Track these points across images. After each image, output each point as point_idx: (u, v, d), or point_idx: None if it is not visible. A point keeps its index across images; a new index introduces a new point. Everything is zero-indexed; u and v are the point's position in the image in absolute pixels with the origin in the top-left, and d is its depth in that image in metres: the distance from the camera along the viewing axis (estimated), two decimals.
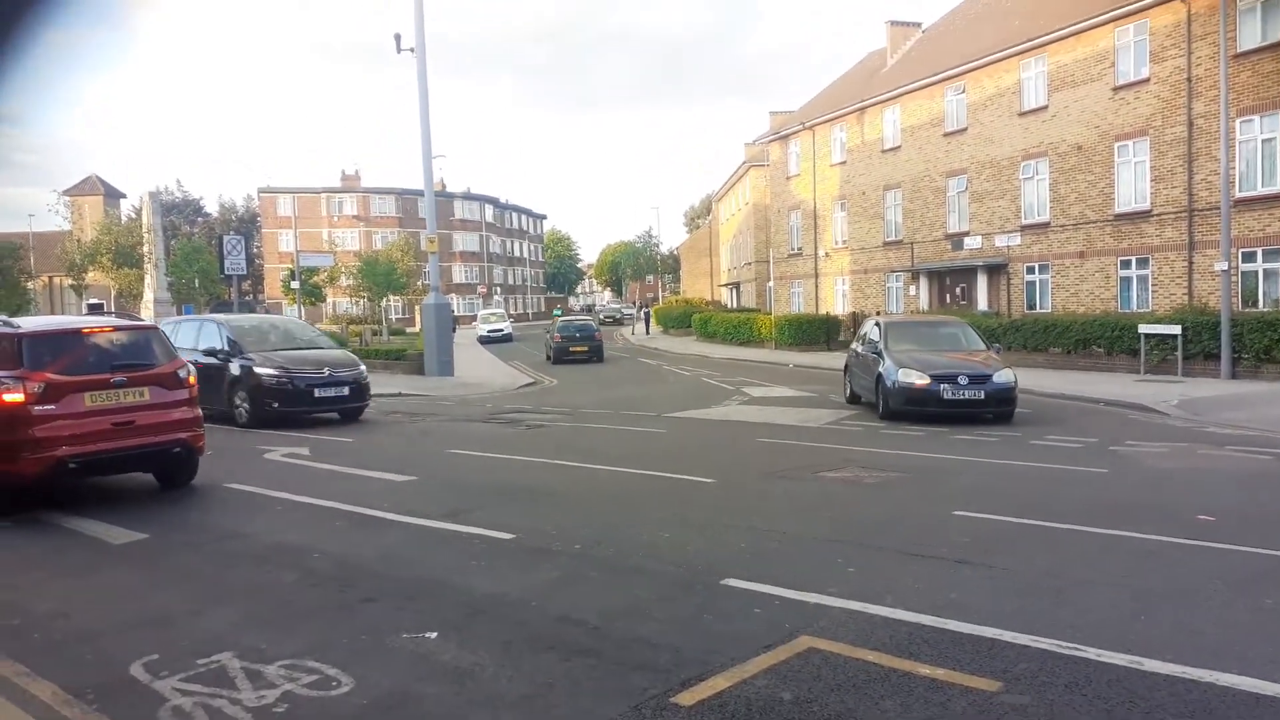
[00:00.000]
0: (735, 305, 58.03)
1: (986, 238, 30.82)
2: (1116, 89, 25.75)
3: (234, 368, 15.81)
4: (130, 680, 4.74)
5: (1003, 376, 14.63)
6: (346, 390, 16.08)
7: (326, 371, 16.05)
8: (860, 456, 11.47)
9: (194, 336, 16.71)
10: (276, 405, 15.41)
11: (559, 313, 70.64)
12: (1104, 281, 26.58)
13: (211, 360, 15.82)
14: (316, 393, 15.72)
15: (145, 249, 46.85)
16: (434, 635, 5.29)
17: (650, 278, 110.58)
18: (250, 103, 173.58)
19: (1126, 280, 25.97)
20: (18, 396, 8.57)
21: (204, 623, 5.65)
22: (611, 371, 30.28)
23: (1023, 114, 29.22)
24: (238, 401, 15.73)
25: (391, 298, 58.79)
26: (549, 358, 34.62)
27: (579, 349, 33.54)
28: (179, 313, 40.13)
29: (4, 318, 9.74)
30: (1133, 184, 25.62)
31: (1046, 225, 28.46)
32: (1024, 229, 29.29)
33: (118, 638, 5.41)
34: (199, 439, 9.86)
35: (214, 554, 7.44)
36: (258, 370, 15.50)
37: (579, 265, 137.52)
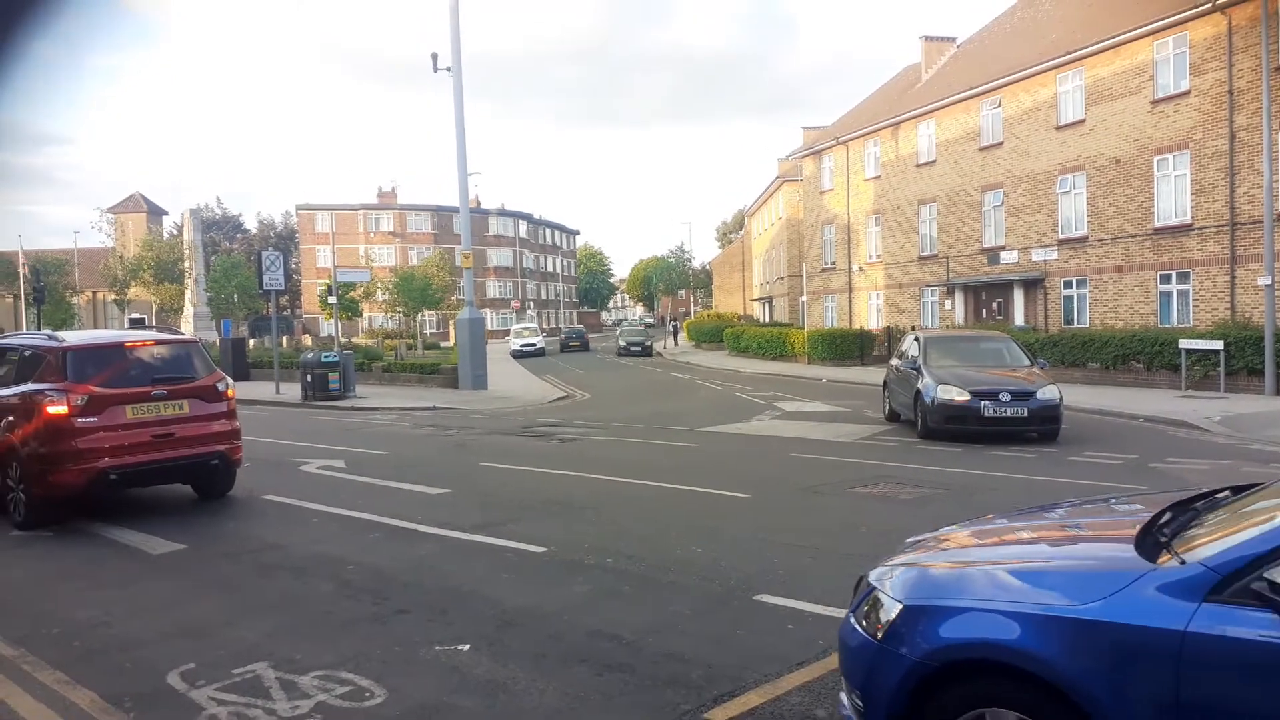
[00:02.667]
0: (768, 320, 57.82)
1: (1023, 252, 30.49)
2: (1155, 102, 25.42)
3: None
4: (167, 689, 4.80)
5: (1047, 393, 14.09)
6: None
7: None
8: (895, 472, 11.35)
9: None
10: None
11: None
12: (1143, 296, 26.16)
13: None
14: None
15: (186, 265, 47.74)
16: (466, 647, 5.30)
17: (682, 292, 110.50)
18: (290, 122, 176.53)
19: (1166, 295, 25.54)
20: (61, 409, 8.74)
21: (240, 633, 5.71)
22: (643, 385, 30.29)
23: (1060, 128, 28.92)
24: None
25: (426, 312, 59.29)
26: (560, 349, 59.57)
27: (575, 344, 61.09)
28: (218, 328, 40.58)
29: (48, 332, 9.96)
30: (1172, 198, 25.23)
31: (1084, 239, 28.10)
32: (1061, 243, 28.94)
33: (156, 647, 5.48)
34: (237, 450, 10.00)
35: (251, 565, 7.52)
36: None
37: (611, 280, 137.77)
